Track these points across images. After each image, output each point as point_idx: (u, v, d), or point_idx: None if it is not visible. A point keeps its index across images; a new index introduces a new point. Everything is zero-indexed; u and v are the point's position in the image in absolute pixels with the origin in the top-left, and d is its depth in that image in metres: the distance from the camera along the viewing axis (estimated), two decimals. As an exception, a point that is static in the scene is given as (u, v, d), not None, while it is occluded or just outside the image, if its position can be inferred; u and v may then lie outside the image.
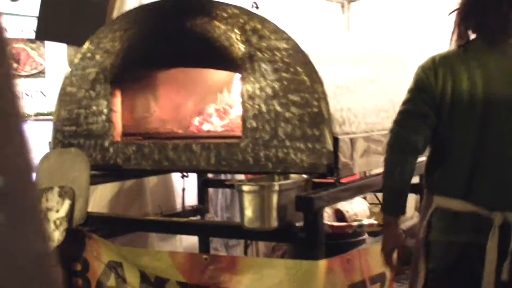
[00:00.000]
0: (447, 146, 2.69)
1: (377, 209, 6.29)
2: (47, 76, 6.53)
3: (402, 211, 2.74)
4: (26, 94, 6.57)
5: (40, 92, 6.63)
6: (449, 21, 2.91)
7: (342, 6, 7.31)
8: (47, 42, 6.11)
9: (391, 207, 2.74)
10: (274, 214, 2.96)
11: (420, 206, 3.39)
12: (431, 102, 2.67)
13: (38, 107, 6.49)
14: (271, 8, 5.12)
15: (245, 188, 2.99)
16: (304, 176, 3.16)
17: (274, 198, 2.95)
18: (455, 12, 2.78)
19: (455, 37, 2.75)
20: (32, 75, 6.61)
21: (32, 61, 6.65)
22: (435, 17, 6.91)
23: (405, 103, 2.74)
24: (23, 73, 6.58)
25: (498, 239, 2.53)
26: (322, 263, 2.94)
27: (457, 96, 2.63)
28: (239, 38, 3.33)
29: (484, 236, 2.55)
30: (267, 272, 3.04)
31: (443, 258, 2.70)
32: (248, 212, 2.99)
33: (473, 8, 2.71)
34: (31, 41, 6.36)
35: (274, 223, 2.97)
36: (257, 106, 3.27)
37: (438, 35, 6.98)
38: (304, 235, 2.97)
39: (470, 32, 2.72)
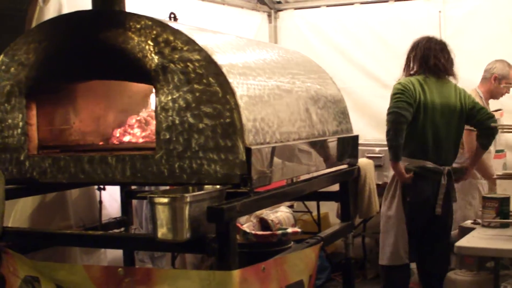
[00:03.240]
0: (418, 131, 4.87)
1: (306, 216, 6.33)
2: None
3: (400, 158, 4.83)
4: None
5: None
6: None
7: (269, 16, 7.35)
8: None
9: (398, 157, 4.83)
10: (186, 225, 2.95)
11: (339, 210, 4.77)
12: (411, 99, 4.78)
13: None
14: (191, 19, 5.11)
15: (156, 200, 2.98)
16: (218, 186, 3.17)
17: (186, 210, 2.94)
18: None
19: (405, 70, 5.05)
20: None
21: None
22: (361, 27, 7.04)
23: (396, 96, 4.79)
24: None
25: (446, 180, 4.91)
26: (236, 273, 2.94)
27: (422, 104, 4.84)
28: (152, 50, 3.32)
29: (440, 178, 4.90)
30: (182, 284, 3.04)
31: (419, 193, 4.91)
32: (160, 224, 2.98)
33: (420, 55, 4.97)
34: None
35: (186, 234, 2.96)
36: (170, 118, 3.26)
37: (364, 43, 7.11)
38: (216, 246, 2.98)
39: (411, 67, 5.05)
